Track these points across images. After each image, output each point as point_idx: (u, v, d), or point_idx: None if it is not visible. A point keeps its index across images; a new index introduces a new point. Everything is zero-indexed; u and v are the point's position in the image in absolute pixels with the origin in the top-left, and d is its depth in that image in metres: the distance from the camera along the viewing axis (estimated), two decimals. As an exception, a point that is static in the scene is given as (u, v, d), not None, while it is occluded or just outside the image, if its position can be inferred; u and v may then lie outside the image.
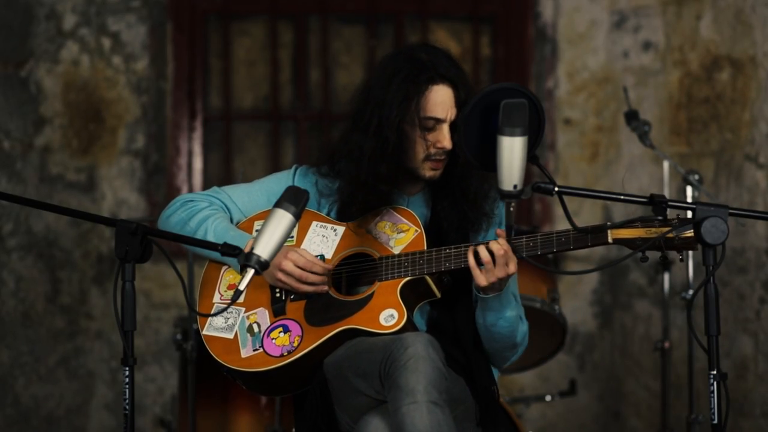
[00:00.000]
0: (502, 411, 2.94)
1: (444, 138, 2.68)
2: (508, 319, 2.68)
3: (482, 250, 2.55)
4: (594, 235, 2.53)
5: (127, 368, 2.37)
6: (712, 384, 2.31)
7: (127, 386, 2.37)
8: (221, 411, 3.91)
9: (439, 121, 2.68)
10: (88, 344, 5.03)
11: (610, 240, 2.52)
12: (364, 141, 2.69)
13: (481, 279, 2.56)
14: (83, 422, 5.02)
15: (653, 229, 2.47)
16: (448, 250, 2.63)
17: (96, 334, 5.03)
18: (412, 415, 2.37)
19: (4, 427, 4.68)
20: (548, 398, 4.29)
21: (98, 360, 5.04)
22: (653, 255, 2.56)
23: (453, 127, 2.69)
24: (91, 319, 5.03)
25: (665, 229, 2.44)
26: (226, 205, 2.84)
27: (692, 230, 2.35)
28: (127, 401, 2.38)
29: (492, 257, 2.54)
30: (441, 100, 2.68)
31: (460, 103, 2.68)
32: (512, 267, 2.55)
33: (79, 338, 5.01)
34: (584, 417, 5.15)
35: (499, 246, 2.53)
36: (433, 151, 2.70)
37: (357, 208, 2.75)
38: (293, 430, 2.77)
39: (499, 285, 2.59)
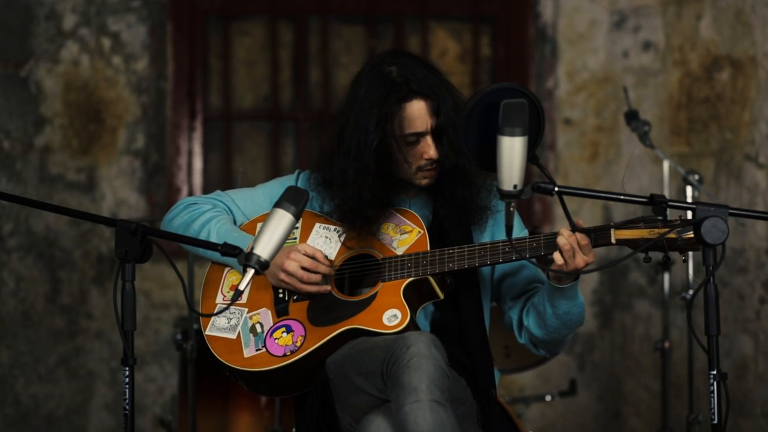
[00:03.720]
0: (502, 411, 2.94)
1: (429, 148, 2.70)
2: (581, 304, 2.67)
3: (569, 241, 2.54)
4: (597, 235, 2.54)
5: (127, 368, 2.37)
6: (712, 384, 2.31)
7: (127, 386, 2.37)
8: (221, 411, 3.91)
9: (420, 134, 2.69)
10: (88, 344, 5.03)
11: (613, 240, 2.53)
12: (347, 166, 2.70)
13: (570, 264, 2.54)
14: (83, 422, 5.02)
15: (656, 230, 2.47)
16: (451, 251, 2.64)
17: (96, 334, 5.03)
18: (415, 413, 2.37)
19: (4, 427, 4.68)
20: (548, 398, 4.29)
21: (98, 360, 5.04)
22: (655, 255, 2.56)
23: (435, 135, 2.70)
24: (91, 319, 5.03)
25: (668, 230, 2.44)
26: (229, 208, 2.85)
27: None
28: (127, 401, 2.38)
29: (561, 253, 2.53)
30: (417, 115, 2.69)
31: (436, 112, 2.69)
32: (584, 259, 2.55)
33: (79, 338, 5.01)
34: (584, 417, 5.15)
35: (566, 241, 2.53)
36: (422, 162, 2.72)
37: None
38: (293, 429, 2.77)
39: (574, 272, 2.57)
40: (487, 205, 2.76)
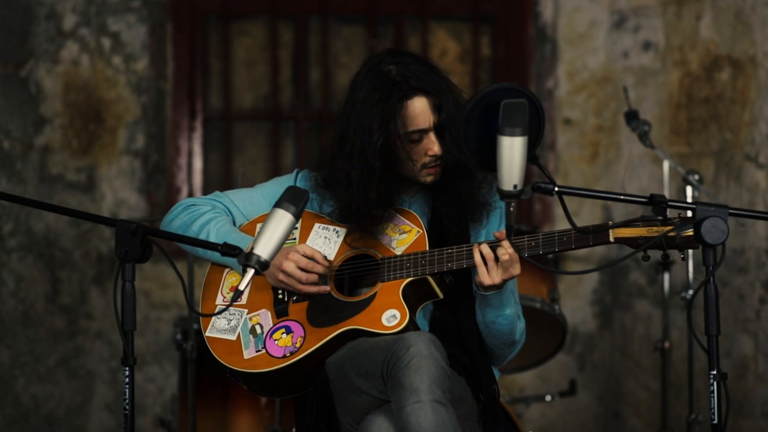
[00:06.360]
0: (503, 411, 2.94)
1: (433, 145, 2.70)
2: (508, 317, 2.69)
3: (488, 252, 2.57)
4: (596, 234, 2.54)
5: (127, 368, 2.37)
6: (712, 384, 2.31)
7: (127, 386, 2.37)
8: (221, 411, 3.91)
9: (423, 131, 2.70)
10: (88, 344, 5.03)
11: (611, 239, 2.53)
12: (350, 167, 2.69)
13: (486, 278, 2.58)
14: (83, 422, 5.02)
15: (655, 228, 2.48)
16: (450, 251, 2.64)
17: (96, 334, 5.03)
18: (417, 414, 2.38)
19: (4, 427, 4.68)
20: (548, 398, 4.29)
21: (98, 360, 5.04)
22: (654, 254, 2.56)
23: (438, 131, 2.70)
24: (91, 319, 5.03)
25: (667, 228, 2.44)
26: (228, 209, 2.85)
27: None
28: (127, 401, 2.38)
29: (496, 261, 2.57)
30: (420, 112, 2.69)
31: (437, 108, 2.69)
32: (516, 269, 2.58)
33: (79, 338, 5.01)
34: (584, 417, 5.15)
35: (505, 251, 2.55)
36: (427, 159, 2.72)
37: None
38: (293, 430, 2.77)
39: (500, 283, 2.61)
40: (486, 200, 2.76)
